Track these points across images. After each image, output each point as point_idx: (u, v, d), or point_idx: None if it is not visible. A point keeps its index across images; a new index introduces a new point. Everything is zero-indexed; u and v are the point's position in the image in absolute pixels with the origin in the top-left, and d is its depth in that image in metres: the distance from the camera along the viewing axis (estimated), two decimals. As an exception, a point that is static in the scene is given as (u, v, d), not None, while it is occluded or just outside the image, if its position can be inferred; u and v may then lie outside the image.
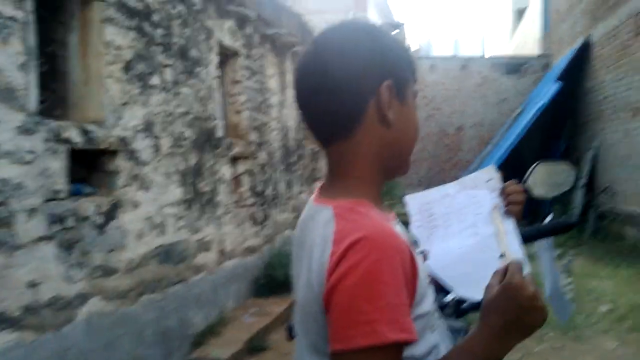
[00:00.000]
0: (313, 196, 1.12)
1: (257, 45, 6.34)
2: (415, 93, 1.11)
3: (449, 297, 2.14)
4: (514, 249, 1.23)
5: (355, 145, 1.04)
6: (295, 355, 1.11)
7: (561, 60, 12.74)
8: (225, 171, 5.36)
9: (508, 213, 1.32)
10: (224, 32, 5.45)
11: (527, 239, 1.41)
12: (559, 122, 12.70)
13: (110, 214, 3.59)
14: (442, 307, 2.20)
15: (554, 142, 12.76)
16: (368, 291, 0.87)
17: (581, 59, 11.79)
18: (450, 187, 1.38)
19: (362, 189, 1.04)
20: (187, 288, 4.54)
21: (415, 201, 1.39)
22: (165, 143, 4.24)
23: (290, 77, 7.58)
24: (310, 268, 0.98)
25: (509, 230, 1.27)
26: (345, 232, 0.93)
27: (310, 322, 1.00)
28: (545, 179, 1.66)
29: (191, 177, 4.65)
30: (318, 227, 1.00)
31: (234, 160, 5.67)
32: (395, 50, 1.06)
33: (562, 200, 10.34)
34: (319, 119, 1.06)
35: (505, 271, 0.99)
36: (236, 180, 5.78)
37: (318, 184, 1.15)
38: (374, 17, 16.82)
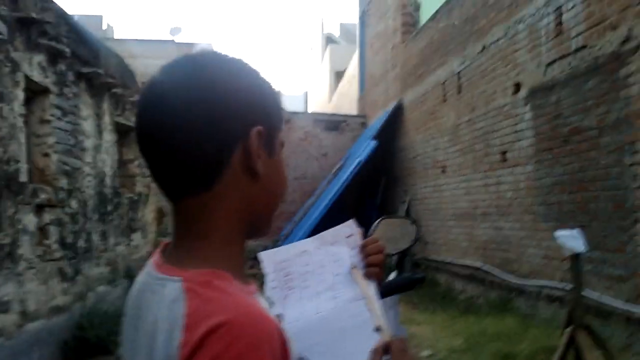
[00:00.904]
0: (153, 260, 0.88)
1: (70, 83, 5.84)
2: (282, 144, 0.93)
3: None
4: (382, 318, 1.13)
5: (213, 200, 0.84)
6: None
7: (377, 121, 13.68)
8: (29, 221, 4.75)
9: (368, 275, 1.19)
10: (33, 67, 4.93)
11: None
12: (375, 177, 13.53)
13: None
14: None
15: (371, 196, 13.51)
16: None
17: (394, 120, 12.76)
18: (308, 243, 1.26)
19: (220, 254, 0.84)
20: (-26, 359, 3.86)
21: (270, 259, 1.24)
22: (-47, 187, 3.63)
23: (107, 120, 7.10)
24: (152, 359, 0.77)
25: (371, 295, 1.17)
26: (200, 314, 0.73)
27: None
28: (389, 234, 1.63)
29: (-15, 227, 4.03)
30: (162, 306, 0.78)
31: (40, 208, 5.07)
32: (267, 92, 0.89)
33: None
34: (169, 165, 0.83)
35: (384, 348, 0.88)
36: (42, 231, 5.16)
37: (160, 245, 0.93)
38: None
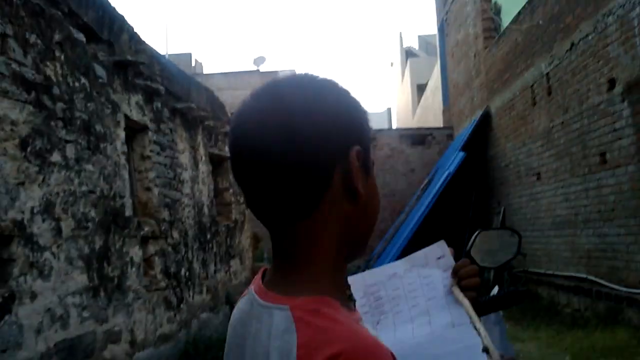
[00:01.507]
0: (253, 287, 0.87)
1: (166, 119, 6.14)
2: (374, 162, 0.91)
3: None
4: (476, 343, 1.08)
5: (316, 224, 0.81)
6: None
7: (463, 131, 13.38)
8: (135, 253, 4.99)
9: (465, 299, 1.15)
10: (131, 106, 5.23)
11: (479, 312, 1.28)
12: (466, 189, 13.20)
13: (4, 308, 3.16)
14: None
15: (462, 209, 13.18)
16: None
17: (482, 129, 12.43)
18: (398, 266, 1.22)
19: (326, 280, 0.81)
20: (93, 387, 4.07)
21: (359, 283, 1.21)
22: (67, 225, 3.88)
23: (202, 152, 7.39)
24: None
25: (466, 322, 1.12)
26: (313, 345, 0.70)
27: None
28: (487, 247, 1.56)
29: (97, 261, 4.27)
30: (271, 336, 0.76)
31: (144, 240, 5.32)
32: (359, 111, 0.87)
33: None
34: (271, 193, 0.81)
35: None
36: (147, 262, 5.41)
37: (259, 271, 0.92)
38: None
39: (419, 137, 15.64)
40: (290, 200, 0.80)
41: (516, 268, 10.73)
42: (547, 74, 9.01)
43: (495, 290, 1.46)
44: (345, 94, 0.86)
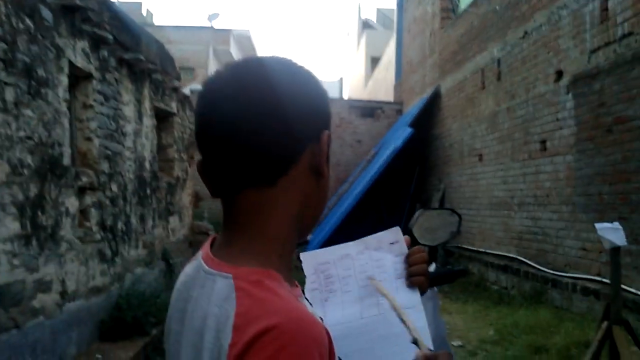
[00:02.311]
0: (201, 253, 0.88)
1: (112, 69, 5.94)
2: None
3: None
4: (422, 329, 1.12)
5: (275, 196, 0.83)
6: None
7: (413, 108, 13.55)
8: (71, 203, 4.87)
9: (413, 284, 1.19)
10: (77, 53, 5.03)
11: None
12: (410, 165, 13.43)
13: None
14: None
15: (405, 184, 13.43)
16: None
17: (431, 108, 12.63)
18: (351, 247, 1.23)
19: (273, 252, 0.83)
20: (21, 335, 4.00)
21: (310, 260, 1.22)
22: (2, 170, 3.75)
23: (147, 105, 7.21)
24: (199, 358, 0.77)
25: (415, 305, 1.16)
26: (250, 315, 0.72)
27: None
28: (428, 225, 1.61)
29: (30, 209, 4.15)
30: (211, 303, 0.78)
31: (81, 191, 5.19)
32: (327, 97, 0.93)
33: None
34: (233, 155, 0.82)
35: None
36: (83, 213, 5.29)
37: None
38: (235, 50, 16.81)
39: (368, 110, 15.75)
40: (254, 168, 0.82)
41: (450, 244, 11.07)
42: (499, 59, 9.20)
43: (432, 267, 1.50)
44: (319, 82, 0.91)
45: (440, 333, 1.55)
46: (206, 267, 0.83)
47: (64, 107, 4.73)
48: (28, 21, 4.12)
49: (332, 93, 26.53)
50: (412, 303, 1.16)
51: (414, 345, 0.93)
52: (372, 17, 29.88)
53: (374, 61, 22.74)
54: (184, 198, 9.30)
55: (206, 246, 0.89)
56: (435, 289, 1.58)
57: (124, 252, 6.29)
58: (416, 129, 12.14)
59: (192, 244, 9.34)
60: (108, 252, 5.82)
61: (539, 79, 7.83)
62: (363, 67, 25.70)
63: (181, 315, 0.85)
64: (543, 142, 7.72)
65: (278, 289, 0.76)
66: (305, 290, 1.21)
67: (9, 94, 3.84)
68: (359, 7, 29.80)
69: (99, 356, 5.06)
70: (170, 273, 7.88)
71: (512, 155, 8.72)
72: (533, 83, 7.99)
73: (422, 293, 1.21)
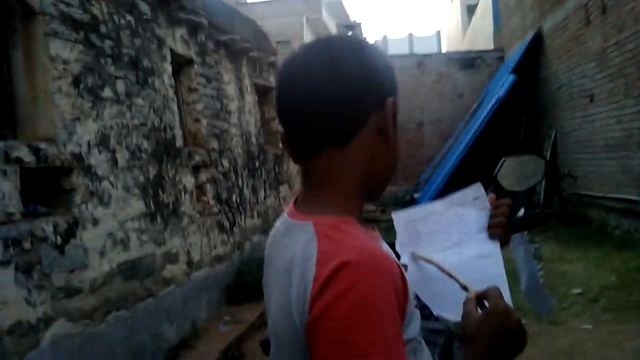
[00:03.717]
0: (287, 209, 1.03)
1: (211, 52, 6.26)
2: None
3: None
4: (498, 277, 1.19)
5: (348, 155, 0.96)
6: None
7: (514, 53, 12.97)
8: (187, 181, 5.27)
9: (492, 236, 1.24)
10: (176, 41, 5.36)
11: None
12: (516, 114, 12.92)
13: (69, 233, 3.47)
14: (421, 308, 2.17)
15: (512, 134, 12.97)
16: (361, 322, 0.77)
17: (534, 51, 12.02)
18: (437, 205, 1.32)
19: (347, 205, 0.96)
20: (156, 302, 4.44)
21: (401, 218, 1.33)
22: (122, 156, 4.14)
23: (247, 82, 7.52)
24: (287, 293, 0.87)
25: (493, 255, 1.22)
26: (330, 253, 0.83)
27: (287, 353, 0.90)
28: (515, 172, 1.63)
29: (152, 189, 4.55)
30: (296, 246, 0.90)
31: (196, 169, 5.59)
32: (391, 66, 1.03)
33: (525, 191, 10.49)
34: (311, 121, 0.95)
35: (477, 298, 0.94)
36: (199, 189, 5.70)
37: (291, 197, 1.07)
38: (327, 18, 16.82)
39: (468, 61, 15.24)
40: (328, 129, 0.95)
41: (566, 191, 10.63)
42: (603, -10, 8.60)
43: (522, 212, 1.55)
44: (382, 55, 1.02)
45: (533, 276, 1.59)
46: (290, 220, 0.98)
47: (171, 93, 5.09)
48: (128, 17, 4.46)
49: (430, 48, 25.87)
50: (491, 253, 1.23)
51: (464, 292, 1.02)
52: (466, -37, 28.59)
53: (470, 9, 21.85)
54: (292, 167, 9.63)
55: (290, 203, 1.04)
56: (525, 233, 1.62)
57: (240, 222, 6.69)
58: (520, 74, 11.63)
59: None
60: (226, 223, 6.23)
61: (649, 6, 7.25)
62: (459, 17, 24.78)
63: (272, 260, 1.00)
64: (658, 74, 7.19)
65: (353, 231, 0.89)
66: (396, 245, 1.31)
67: (120, 86, 4.21)
68: (452, -45, 28.55)
69: (227, 318, 5.48)
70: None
71: (626, 92, 8.18)
72: (643, 12, 7.42)
73: (505, 243, 1.26)
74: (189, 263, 5.15)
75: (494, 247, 1.23)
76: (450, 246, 1.27)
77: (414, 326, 0.94)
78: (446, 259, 1.22)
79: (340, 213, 0.93)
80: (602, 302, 5.74)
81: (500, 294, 0.92)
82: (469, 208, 1.28)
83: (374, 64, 0.98)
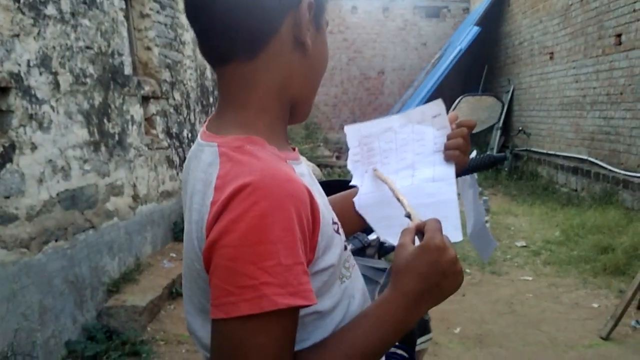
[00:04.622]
0: (202, 129, 0.93)
1: (167, -23, 5.93)
2: (327, 22, 0.93)
3: (372, 237, 2.07)
4: (450, 202, 1.11)
5: (257, 69, 0.85)
6: (186, 315, 0.93)
7: (480, 5, 12.87)
8: (135, 111, 5.05)
9: (447, 157, 1.15)
10: (130, -39, 5.04)
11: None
12: (477, 66, 12.95)
13: (5, 157, 3.28)
14: (364, 247, 2.13)
15: (472, 86, 13.02)
16: (253, 249, 0.71)
17: (499, 4, 11.96)
18: (394, 120, 1.23)
19: (258, 122, 0.87)
20: (98, 235, 4.31)
21: (355, 133, 1.25)
22: (65, 80, 3.91)
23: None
24: (190, 219, 0.83)
25: (447, 179, 1.14)
26: (229, 176, 0.77)
27: (193, 280, 0.85)
28: (471, 113, 1.57)
29: (97, 117, 4.34)
30: (200, 169, 0.83)
31: (145, 100, 5.36)
32: None
33: (478, 142, 10.64)
34: (217, 29, 0.84)
35: (416, 230, 0.85)
36: (148, 121, 5.49)
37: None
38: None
39: (434, 10, 15.08)
40: (234, 39, 0.84)
41: (519, 147, 10.81)
42: (573, -55, 8.52)
43: (473, 154, 1.49)
44: None
45: (479, 219, 1.56)
46: (200, 140, 0.89)
47: (120, 17, 4.80)
48: None
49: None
50: (444, 176, 1.15)
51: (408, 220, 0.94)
52: None
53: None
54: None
55: (205, 123, 0.94)
56: (475, 176, 1.57)
57: (190, 158, 6.52)
58: (484, 27, 11.60)
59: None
60: (176, 159, 6.06)
61: (616, -35, 7.23)
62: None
63: (185, 185, 0.92)
64: (618, 35, 7.24)
65: (258, 152, 0.80)
66: (348, 162, 1.26)
67: (65, 4, 3.93)
68: None
69: (173, 254, 5.41)
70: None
71: (585, 52, 8.24)
72: (610, -30, 7.39)
73: (461, 170, 1.18)
74: (135, 197, 5.00)
75: (449, 170, 1.16)
76: (404, 167, 1.20)
77: (333, 252, 0.86)
78: (397, 181, 1.16)
79: (249, 132, 0.84)
80: (544, 256, 5.92)
81: (440, 227, 0.83)
82: (427, 126, 1.20)
83: None
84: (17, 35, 3.41)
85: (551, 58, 9.55)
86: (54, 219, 3.74)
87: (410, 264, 0.81)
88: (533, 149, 10.32)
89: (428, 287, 0.81)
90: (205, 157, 0.84)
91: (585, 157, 8.31)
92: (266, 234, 0.72)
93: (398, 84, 14.95)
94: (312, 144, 12.09)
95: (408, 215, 0.94)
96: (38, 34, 3.61)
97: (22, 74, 3.44)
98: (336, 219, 0.93)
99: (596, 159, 7.97)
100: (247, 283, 0.71)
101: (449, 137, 1.16)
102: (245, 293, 0.71)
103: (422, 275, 0.81)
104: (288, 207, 0.74)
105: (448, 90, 12.24)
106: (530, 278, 5.31)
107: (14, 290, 3.33)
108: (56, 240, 3.76)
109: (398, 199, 1.02)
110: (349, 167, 1.26)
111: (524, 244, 6.35)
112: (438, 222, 0.84)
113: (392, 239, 1.13)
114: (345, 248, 0.94)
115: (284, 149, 0.89)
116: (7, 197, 3.29)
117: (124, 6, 4.91)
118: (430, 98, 11.35)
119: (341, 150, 12.90)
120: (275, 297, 0.71)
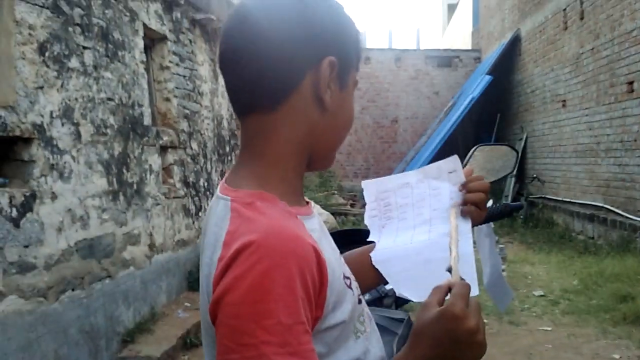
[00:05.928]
0: (221, 181, 0.94)
1: (185, 30, 6.11)
2: (356, 82, 0.95)
3: (389, 287, 2.06)
4: (465, 256, 1.11)
5: (277, 120, 0.86)
6: None
7: (491, 54, 13.06)
8: (154, 161, 5.13)
9: (465, 213, 1.14)
10: (150, 15, 5.20)
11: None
12: (490, 114, 13.03)
13: (26, 207, 3.33)
14: (381, 297, 2.12)
15: (485, 134, 13.08)
16: (254, 308, 0.72)
17: (510, 53, 12.13)
18: (411, 176, 1.25)
19: (272, 174, 0.87)
20: (114, 284, 4.31)
21: (372, 188, 1.26)
22: (86, 130, 3.99)
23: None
24: (202, 273, 0.85)
25: (464, 233, 1.13)
26: (237, 233, 0.78)
27: (207, 331, 0.86)
28: (485, 162, 1.58)
29: (116, 167, 4.41)
30: (214, 222, 0.85)
31: (163, 149, 5.45)
32: (345, 25, 0.91)
33: (492, 190, 10.62)
34: (241, 81, 0.87)
35: (447, 289, 0.84)
36: (166, 170, 5.56)
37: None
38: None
39: (445, 59, 15.31)
40: (256, 91, 0.86)
41: (533, 195, 10.76)
42: (582, -4, 8.68)
43: (489, 203, 1.49)
44: (334, 6, 0.90)
45: (496, 268, 1.55)
46: (217, 193, 0.90)
47: (141, 69, 4.93)
48: (102, -13, 4.30)
49: (409, 44, 25.92)
50: (460, 232, 1.13)
51: (448, 273, 0.94)
52: (449, -37, 28.68)
53: (451, 8, 21.96)
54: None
55: (226, 173, 0.95)
56: (492, 225, 1.57)
57: (207, 207, 6.56)
58: (496, 76, 11.73)
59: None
60: (192, 207, 6.10)
61: (625, 15, 7.33)
62: (440, 15, 24.89)
63: (202, 237, 0.92)
64: (630, 83, 7.28)
65: (267, 209, 0.81)
66: (365, 217, 1.25)
67: (88, 58, 4.05)
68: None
69: (188, 304, 5.38)
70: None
71: (598, 99, 8.28)
72: (619, 20, 7.50)
73: (477, 223, 1.17)
74: (151, 246, 5.02)
75: (465, 225, 1.15)
76: (420, 223, 1.20)
77: (345, 307, 0.86)
78: (414, 236, 1.17)
79: (264, 186, 0.85)
80: (562, 305, 5.81)
81: (466, 293, 0.81)
82: (444, 181, 1.21)
83: (312, 17, 0.86)
84: (41, 88, 3.51)
85: (564, 106, 9.60)
86: (71, 268, 3.75)
87: (426, 327, 0.80)
88: (548, 196, 10.26)
89: (442, 354, 0.79)
90: (220, 211, 0.85)
91: (601, 204, 8.24)
92: (267, 293, 0.72)
93: (411, 132, 15.06)
94: (327, 192, 12.13)
95: (449, 270, 0.93)
96: (61, 86, 3.71)
97: (44, 125, 3.52)
98: (348, 273, 0.92)
99: (612, 206, 7.90)
100: (247, 341, 0.72)
101: (469, 190, 1.16)
102: (246, 351, 0.72)
103: (437, 342, 0.79)
104: (290, 266, 0.74)
105: (461, 138, 12.32)
106: (549, 328, 5.19)
107: (29, 340, 3.32)
108: (73, 290, 3.77)
109: (450, 249, 1.02)
110: (366, 222, 1.26)
111: (542, 293, 6.24)
112: (466, 287, 0.82)
113: (408, 294, 1.12)
114: (360, 302, 0.93)
115: (295, 203, 0.89)
116: (27, 247, 3.32)
117: (144, 59, 5.05)
118: (443, 146, 11.42)
119: (355, 198, 12.91)
120: (275, 356, 0.71)
